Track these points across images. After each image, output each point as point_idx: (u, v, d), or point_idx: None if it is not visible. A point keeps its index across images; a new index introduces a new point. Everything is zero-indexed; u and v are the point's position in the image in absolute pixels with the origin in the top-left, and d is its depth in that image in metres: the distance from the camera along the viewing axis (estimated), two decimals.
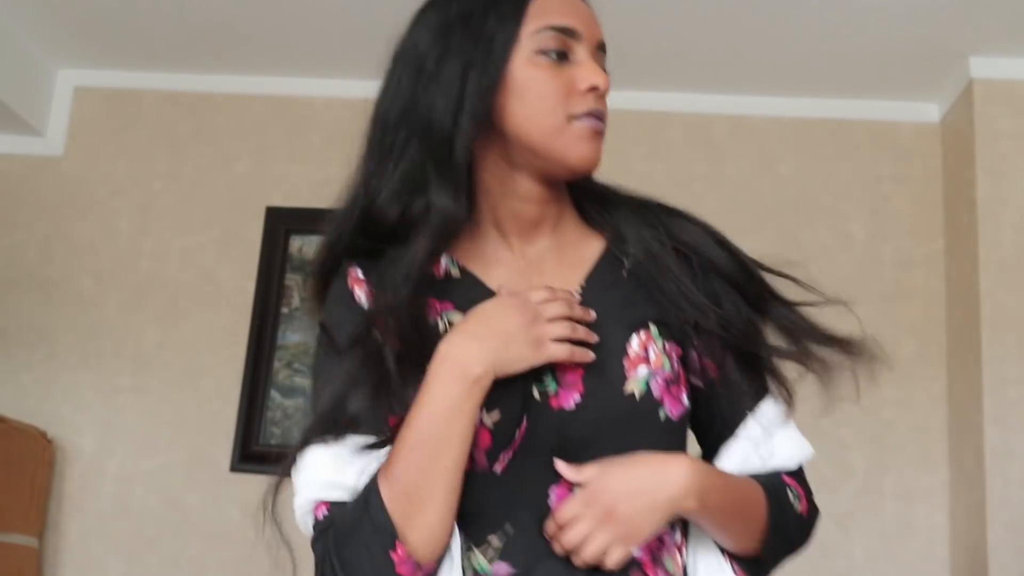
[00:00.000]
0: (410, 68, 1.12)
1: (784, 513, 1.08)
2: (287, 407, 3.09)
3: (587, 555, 0.97)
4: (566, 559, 0.99)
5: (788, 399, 1.10)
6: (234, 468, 3.05)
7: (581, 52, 1.08)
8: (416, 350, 1.02)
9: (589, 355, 1.03)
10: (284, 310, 3.15)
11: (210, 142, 3.33)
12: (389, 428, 1.01)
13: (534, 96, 1.06)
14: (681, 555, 1.06)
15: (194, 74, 3.34)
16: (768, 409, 1.10)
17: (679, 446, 1.08)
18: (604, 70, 1.09)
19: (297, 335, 3.13)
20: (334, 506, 1.02)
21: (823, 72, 3.03)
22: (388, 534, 0.96)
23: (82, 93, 3.41)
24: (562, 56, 1.07)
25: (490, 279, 1.10)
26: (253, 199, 3.25)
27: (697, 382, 1.11)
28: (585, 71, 1.07)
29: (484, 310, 1.01)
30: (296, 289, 3.17)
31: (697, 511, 1.00)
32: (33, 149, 3.35)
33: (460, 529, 1.01)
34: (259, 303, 3.15)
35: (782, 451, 1.10)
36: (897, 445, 2.93)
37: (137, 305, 3.21)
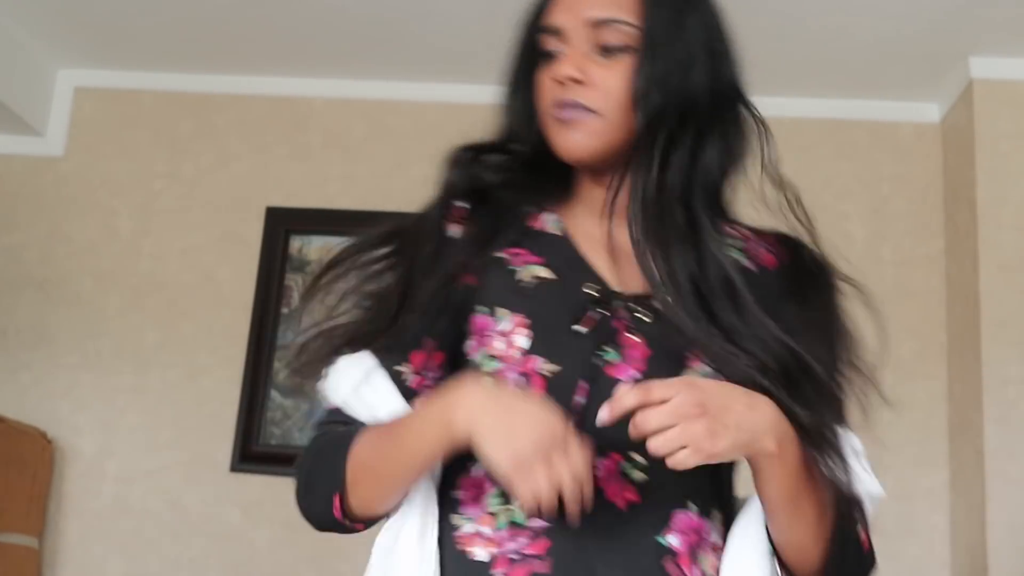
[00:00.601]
0: (505, 80, 1.22)
1: (849, 529, 1.03)
2: (287, 407, 3.08)
3: (658, 449, 0.92)
4: (601, 523, 0.98)
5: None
6: (234, 468, 3.05)
7: (569, 42, 1.09)
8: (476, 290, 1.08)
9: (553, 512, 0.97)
10: (284, 310, 3.15)
11: (210, 142, 3.33)
12: (408, 360, 1.07)
13: (539, 97, 1.12)
14: (716, 557, 1.03)
15: (194, 74, 3.34)
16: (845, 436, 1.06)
17: None
18: (615, 47, 1.07)
19: (297, 335, 3.13)
20: (334, 424, 1.08)
21: (823, 72, 3.03)
22: (336, 483, 1.03)
23: (82, 93, 3.40)
24: (549, 56, 1.10)
25: (585, 246, 1.12)
26: (253, 199, 3.25)
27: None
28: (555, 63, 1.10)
29: (525, 403, 0.95)
30: (296, 289, 3.17)
31: (774, 456, 0.96)
32: (33, 149, 3.35)
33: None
34: (259, 303, 3.15)
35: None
36: (897, 445, 2.92)
37: (137, 305, 3.21)
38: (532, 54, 1.13)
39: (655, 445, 0.92)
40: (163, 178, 3.32)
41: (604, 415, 0.94)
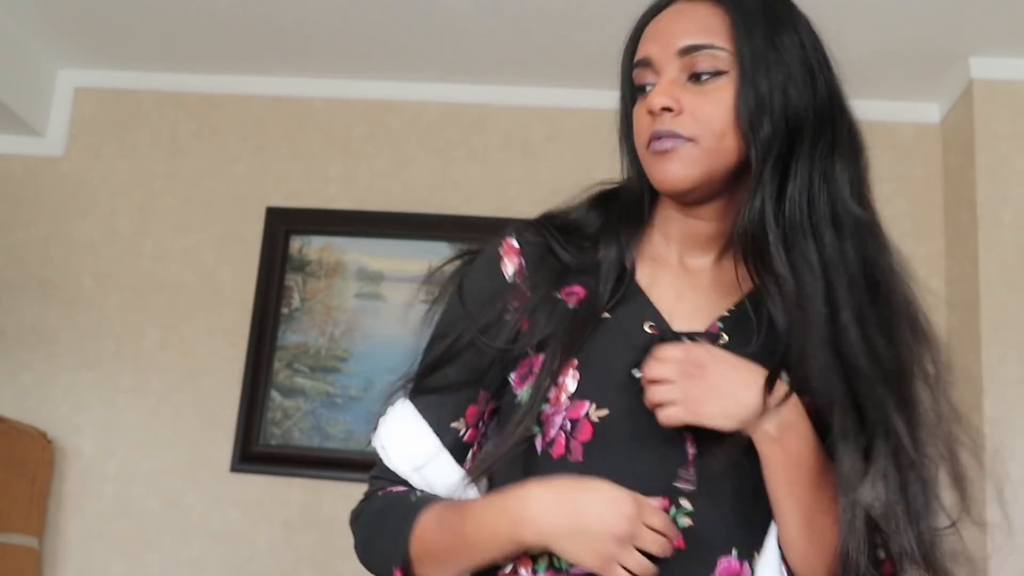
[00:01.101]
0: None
1: (857, 538, 0.98)
2: (287, 407, 3.08)
3: (652, 397, 0.99)
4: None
5: None
6: (234, 468, 3.05)
7: (661, 73, 1.07)
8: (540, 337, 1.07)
9: None
10: (284, 310, 3.15)
11: (210, 142, 3.33)
12: (463, 415, 1.10)
13: (635, 133, 1.10)
14: None
15: (194, 74, 3.34)
16: None
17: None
18: (709, 73, 1.04)
19: (297, 335, 3.13)
20: (388, 490, 1.11)
21: None
22: (399, 558, 1.05)
23: (82, 93, 3.41)
24: (642, 89, 1.09)
25: (643, 276, 1.11)
26: (253, 199, 3.25)
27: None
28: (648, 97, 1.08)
29: (594, 492, 0.97)
30: (296, 289, 3.17)
31: (773, 441, 0.97)
32: (33, 149, 3.35)
33: None
34: (259, 303, 3.15)
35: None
36: None
37: (137, 305, 3.21)
38: (631, 91, 1.11)
39: (650, 393, 0.99)
40: (163, 178, 3.32)
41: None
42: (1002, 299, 2.77)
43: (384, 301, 3.12)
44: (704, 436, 1.00)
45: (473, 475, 1.07)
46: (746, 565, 1.01)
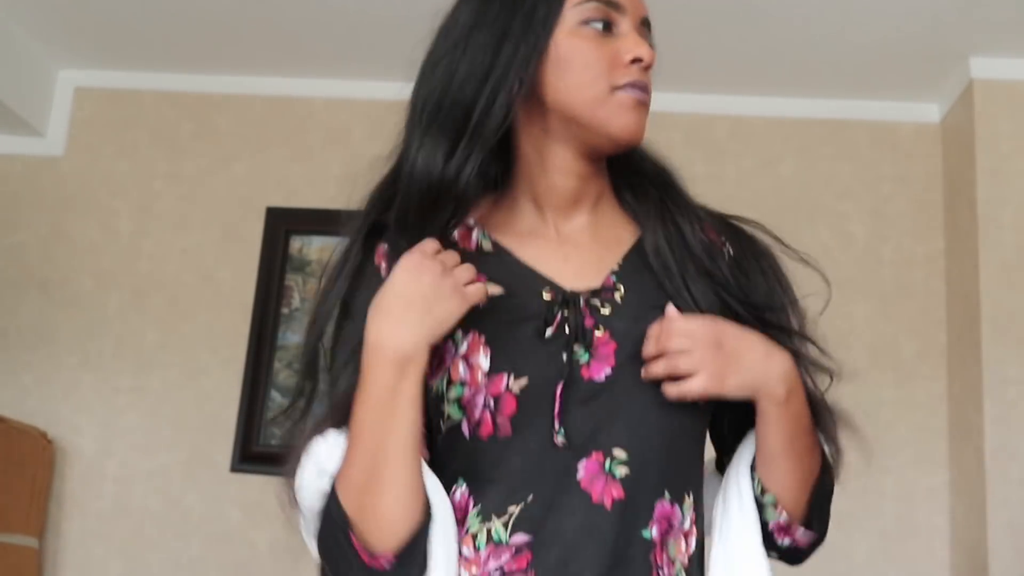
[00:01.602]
0: (447, 41, 1.12)
1: (827, 470, 1.12)
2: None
3: (676, 367, 1.00)
4: (586, 526, 0.98)
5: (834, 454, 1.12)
6: (234, 468, 3.05)
7: (625, 25, 1.08)
8: None
9: (496, 288, 1.04)
10: (284, 310, 3.15)
11: (210, 142, 3.33)
12: None
13: (578, 66, 1.06)
14: (685, 541, 1.04)
15: (194, 74, 3.34)
16: None
17: (702, 429, 1.10)
18: (651, 45, 1.10)
19: (297, 335, 3.13)
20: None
21: (823, 72, 3.03)
22: (343, 524, 0.97)
23: (82, 93, 3.41)
24: (607, 27, 1.07)
25: (523, 253, 1.10)
26: (253, 199, 3.25)
27: None
28: (630, 43, 1.07)
29: (394, 283, 0.99)
30: (296, 289, 3.17)
31: (781, 403, 1.03)
32: (33, 149, 3.35)
33: (482, 495, 1.01)
34: (259, 303, 3.15)
35: None
36: (897, 445, 2.92)
37: (137, 305, 3.21)
38: (552, 15, 1.06)
39: (670, 365, 1.00)
40: (163, 178, 3.32)
41: (649, 348, 1.02)
42: (1002, 299, 2.77)
43: None
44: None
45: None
46: (677, 507, 1.03)
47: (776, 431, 1.04)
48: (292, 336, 3.13)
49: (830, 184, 3.12)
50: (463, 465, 1.04)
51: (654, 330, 1.03)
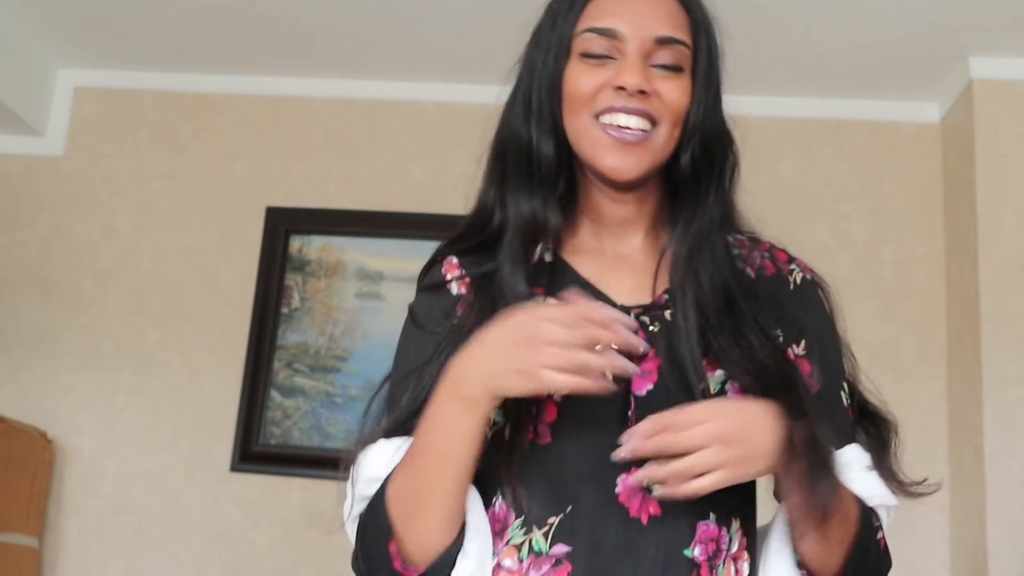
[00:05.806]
0: (513, 86, 1.16)
1: (870, 533, 1.07)
2: (287, 407, 3.09)
3: (693, 468, 0.93)
4: (624, 541, 0.98)
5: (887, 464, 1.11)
6: (234, 468, 3.05)
7: (628, 52, 1.07)
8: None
9: (608, 386, 0.94)
10: (284, 310, 3.16)
11: (210, 142, 3.33)
12: None
13: (568, 98, 1.08)
14: (735, 565, 1.03)
15: (194, 74, 3.34)
16: (852, 452, 1.09)
17: None
18: (671, 66, 1.07)
19: (297, 335, 3.13)
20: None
21: (823, 72, 3.03)
22: (385, 530, 1.00)
23: (82, 93, 3.41)
24: (607, 56, 1.07)
25: (582, 268, 1.12)
26: (253, 199, 3.25)
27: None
28: (620, 68, 1.06)
29: (496, 326, 0.97)
30: (296, 289, 3.17)
31: (799, 481, 0.99)
32: (33, 149, 3.35)
33: (521, 506, 1.01)
34: (259, 303, 3.15)
35: (862, 487, 1.08)
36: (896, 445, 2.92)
37: (137, 305, 3.21)
38: (565, 49, 1.09)
39: (688, 464, 0.92)
40: (163, 178, 3.32)
41: (626, 449, 0.95)
42: (1002, 299, 2.77)
43: (384, 301, 3.12)
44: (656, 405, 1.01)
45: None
46: (724, 530, 1.03)
47: (795, 507, 1.01)
48: (292, 336, 3.13)
49: (830, 184, 3.12)
50: (505, 473, 1.03)
51: (646, 426, 0.95)
